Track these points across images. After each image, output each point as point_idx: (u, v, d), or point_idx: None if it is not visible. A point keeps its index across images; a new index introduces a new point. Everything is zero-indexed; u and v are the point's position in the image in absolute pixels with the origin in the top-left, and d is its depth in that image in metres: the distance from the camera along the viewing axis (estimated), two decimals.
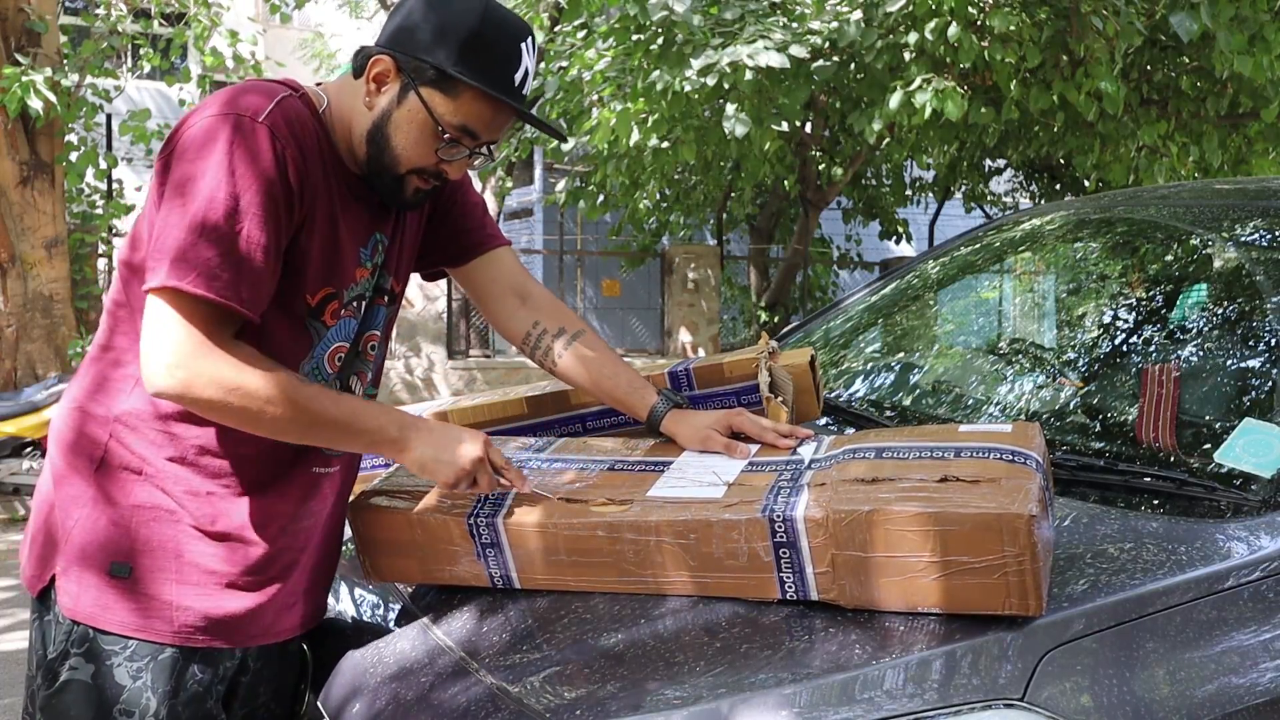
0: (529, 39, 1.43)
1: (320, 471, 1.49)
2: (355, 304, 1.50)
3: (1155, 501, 1.54)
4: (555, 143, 9.08)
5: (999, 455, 1.31)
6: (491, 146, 1.48)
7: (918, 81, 6.66)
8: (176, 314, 1.29)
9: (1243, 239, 2.17)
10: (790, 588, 1.30)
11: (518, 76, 1.42)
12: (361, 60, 1.43)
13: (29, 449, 5.99)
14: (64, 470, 1.43)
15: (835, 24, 6.92)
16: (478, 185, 10.25)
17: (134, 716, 1.38)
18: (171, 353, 1.29)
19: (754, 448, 1.54)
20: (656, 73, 7.01)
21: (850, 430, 2.00)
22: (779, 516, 1.29)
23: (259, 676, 1.50)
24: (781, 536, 1.29)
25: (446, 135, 1.41)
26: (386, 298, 1.57)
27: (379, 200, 1.50)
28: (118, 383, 1.42)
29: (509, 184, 10.54)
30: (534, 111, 10.02)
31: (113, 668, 1.38)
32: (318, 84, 1.52)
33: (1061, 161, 11.07)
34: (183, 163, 1.32)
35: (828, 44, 7.10)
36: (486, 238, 1.70)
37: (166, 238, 1.29)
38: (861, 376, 2.45)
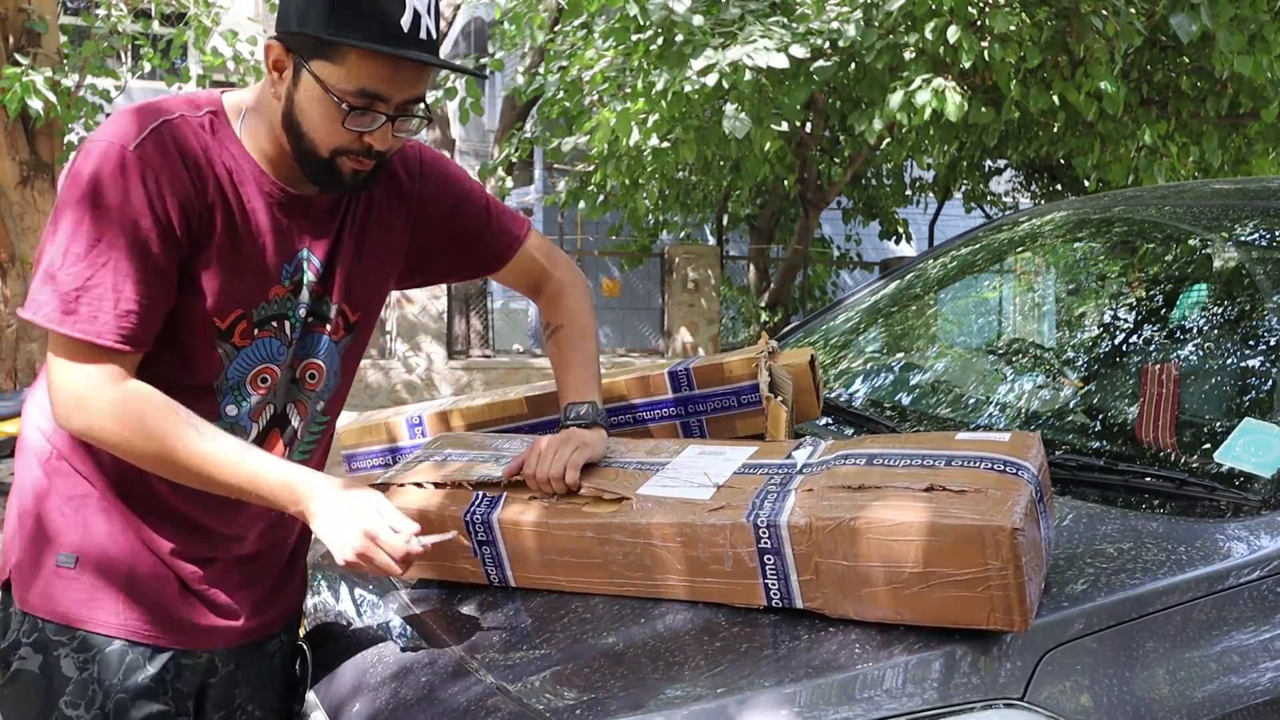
0: None
1: None
2: (275, 324, 1.44)
3: (1155, 501, 1.54)
4: (555, 142, 9.08)
5: (990, 465, 1.29)
6: (418, 105, 1.38)
7: (918, 81, 6.66)
8: (63, 354, 1.30)
9: (1243, 239, 2.17)
10: (775, 594, 1.29)
11: (405, 20, 1.30)
12: (264, 51, 1.38)
13: None
14: (21, 464, 1.45)
15: (835, 24, 6.92)
16: None
17: (80, 708, 1.38)
18: (64, 396, 1.31)
19: (751, 448, 1.54)
20: (656, 73, 7.01)
21: (850, 431, 2.00)
22: (764, 522, 1.28)
23: (232, 679, 1.49)
24: (766, 542, 1.28)
25: (347, 105, 1.31)
26: (329, 326, 1.50)
27: (318, 213, 1.45)
28: None
29: (509, 184, 10.54)
30: (534, 115, 10.06)
31: (59, 658, 1.38)
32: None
33: (1061, 161, 11.07)
34: (63, 190, 1.31)
35: (828, 44, 7.10)
36: (508, 244, 1.67)
37: (40, 268, 1.31)
38: (861, 376, 2.45)
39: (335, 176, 1.38)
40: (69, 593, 1.39)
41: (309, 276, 1.46)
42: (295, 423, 1.51)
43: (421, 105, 1.38)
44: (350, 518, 1.32)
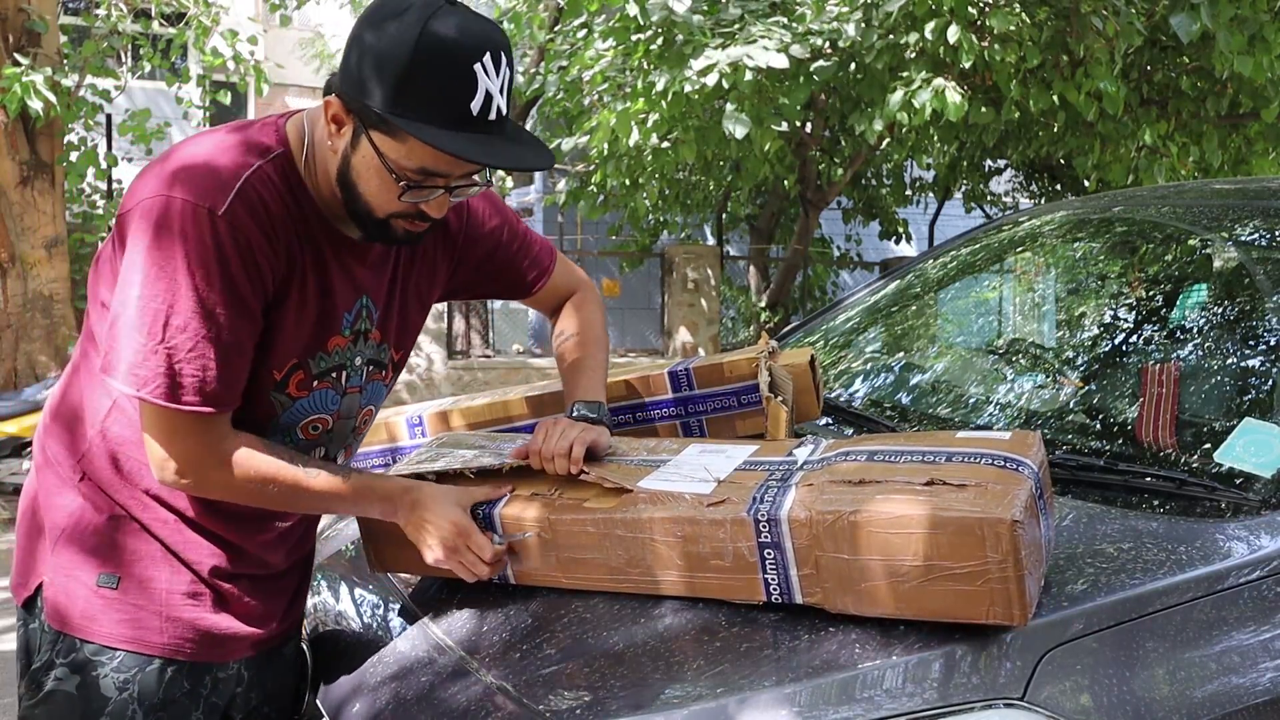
0: (488, 54, 1.23)
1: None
2: (334, 375, 1.43)
3: (1155, 501, 1.54)
4: (555, 142, 9.08)
5: (990, 460, 1.29)
6: (479, 175, 1.35)
7: (918, 81, 6.66)
8: (163, 422, 1.29)
9: (1243, 239, 2.17)
10: (775, 589, 1.29)
11: (475, 104, 1.23)
12: (324, 95, 1.32)
13: (29, 449, 5.98)
14: (49, 480, 1.43)
15: (835, 24, 6.92)
16: None
17: None
18: (174, 463, 1.31)
19: (753, 446, 1.54)
20: (656, 73, 7.01)
21: (850, 431, 2.00)
22: (764, 517, 1.29)
23: (253, 683, 1.50)
24: (766, 537, 1.28)
25: (405, 183, 1.28)
26: (384, 373, 1.52)
27: (374, 259, 1.43)
28: (98, 400, 1.40)
29: (509, 184, 10.54)
30: (534, 115, 10.04)
31: (98, 679, 1.37)
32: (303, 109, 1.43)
33: (1061, 161, 11.07)
34: (141, 248, 1.25)
35: (828, 44, 7.11)
36: (541, 272, 1.69)
37: (128, 340, 1.26)
38: (862, 376, 2.45)
39: (388, 234, 1.36)
40: (111, 613, 1.37)
41: (367, 325, 1.46)
42: (339, 461, 1.54)
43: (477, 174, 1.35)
44: (444, 518, 1.39)
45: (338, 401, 1.46)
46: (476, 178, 1.35)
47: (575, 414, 1.57)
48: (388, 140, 1.26)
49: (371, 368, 1.49)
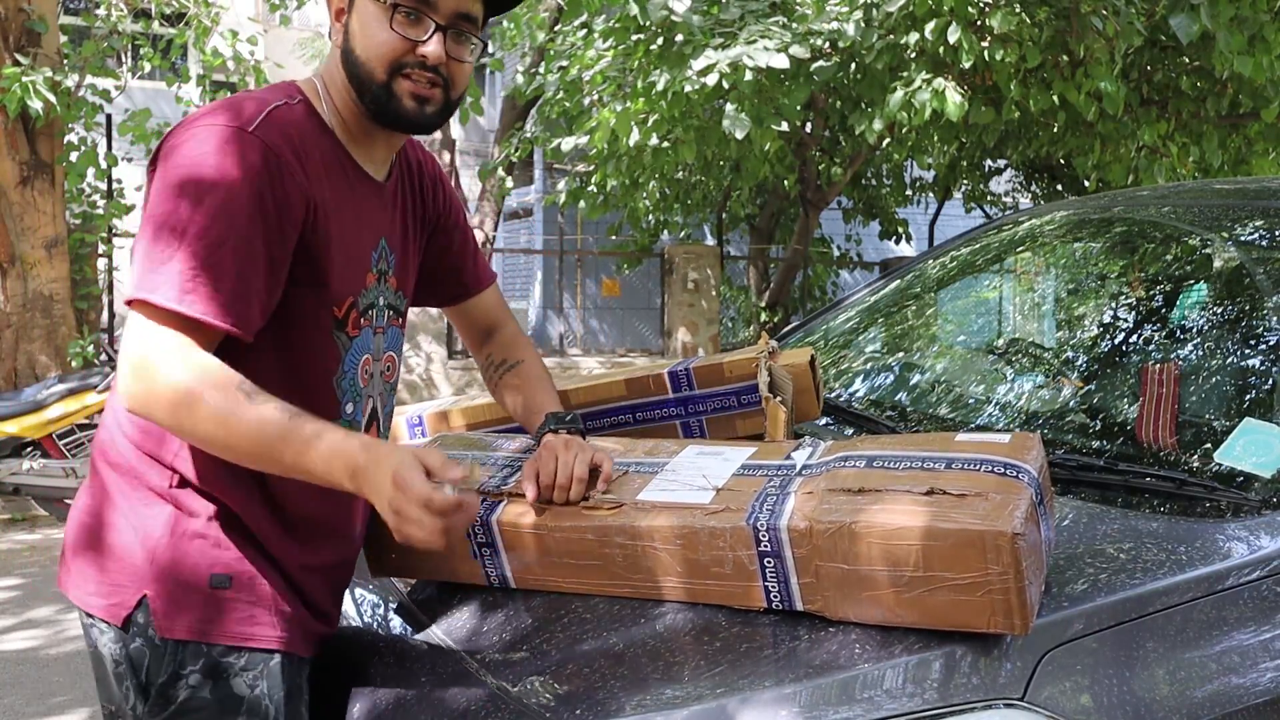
0: None
1: None
2: (370, 313, 1.46)
3: (1155, 501, 1.53)
4: (555, 142, 9.08)
5: (990, 468, 1.29)
6: (472, 26, 1.40)
7: (918, 81, 6.66)
8: (148, 325, 1.25)
9: (1243, 239, 2.17)
10: (775, 597, 1.29)
11: None
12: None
13: (29, 449, 5.98)
14: (129, 493, 1.38)
15: (835, 24, 6.92)
16: (477, 186, 10.27)
17: None
18: (139, 364, 1.24)
19: (751, 449, 1.54)
20: (656, 73, 7.01)
21: (850, 431, 2.00)
22: (763, 526, 1.28)
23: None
24: (766, 546, 1.28)
25: (399, 8, 1.34)
26: (400, 318, 1.54)
27: (387, 200, 1.47)
28: None
29: (509, 184, 10.53)
30: (533, 115, 10.04)
31: (229, 680, 1.35)
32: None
33: (1061, 161, 11.07)
34: (170, 172, 1.27)
35: (828, 44, 7.10)
36: (475, 282, 1.71)
37: (147, 249, 1.25)
38: (862, 376, 2.45)
39: (397, 105, 1.38)
40: (232, 613, 1.35)
41: (385, 267, 1.49)
42: (381, 418, 1.54)
43: (476, 30, 1.41)
44: (382, 467, 1.20)
45: (373, 342, 1.47)
46: (473, 32, 1.40)
47: (552, 423, 1.54)
48: None
49: (390, 312, 1.51)
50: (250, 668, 1.35)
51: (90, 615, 1.39)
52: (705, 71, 6.63)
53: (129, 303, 1.27)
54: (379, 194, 1.46)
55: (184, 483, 1.36)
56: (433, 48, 1.37)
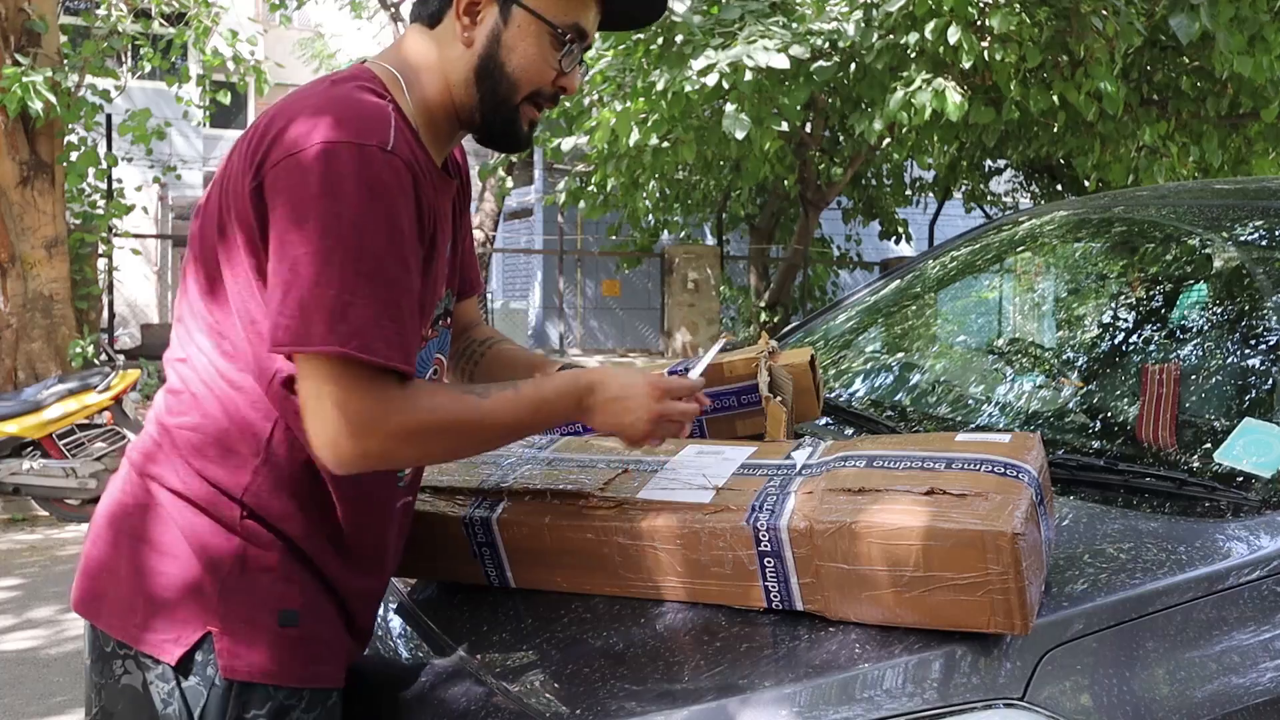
0: None
1: (404, 500, 1.41)
2: (442, 319, 1.40)
3: (1155, 501, 1.53)
4: (555, 142, 9.08)
5: (990, 468, 1.29)
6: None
7: (918, 81, 6.66)
8: (352, 381, 1.15)
9: (1243, 239, 2.17)
10: (775, 597, 1.29)
11: None
12: (438, 2, 1.30)
13: (29, 449, 5.99)
14: (194, 520, 1.26)
15: (835, 24, 6.92)
16: (477, 185, 10.26)
17: None
18: (350, 425, 1.15)
19: (751, 448, 1.54)
20: (656, 73, 7.01)
21: (849, 431, 2.00)
22: (763, 526, 1.28)
23: None
24: (766, 546, 1.28)
25: (568, 37, 1.30)
26: (449, 318, 1.45)
27: (449, 197, 1.38)
28: (255, 424, 1.25)
29: (509, 184, 10.54)
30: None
31: None
32: (364, 59, 1.37)
33: (1061, 161, 11.08)
34: (306, 200, 1.14)
35: (828, 44, 7.11)
36: (472, 286, 1.62)
37: (316, 296, 1.12)
38: (861, 376, 2.45)
39: (513, 127, 1.34)
40: (300, 652, 1.26)
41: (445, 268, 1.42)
42: None
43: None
44: (627, 404, 1.32)
45: (432, 353, 1.40)
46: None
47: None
48: None
49: (446, 316, 1.43)
50: (311, 708, 1.28)
51: (127, 647, 1.27)
52: (705, 71, 6.64)
53: (307, 353, 1.15)
54: (448, 191, 1.37)
55: (253, 515, 1.26)
56: (572, 81, 1.34)
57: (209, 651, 1.24)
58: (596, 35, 1.40)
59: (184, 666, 1.24)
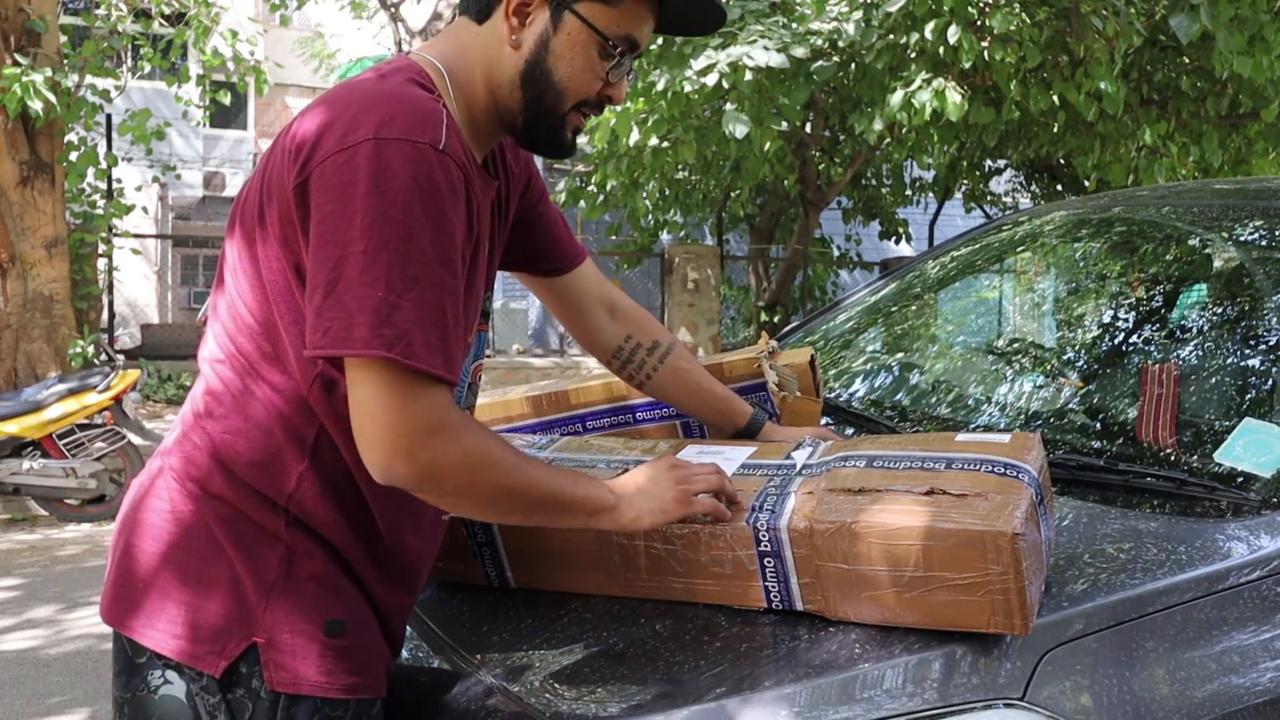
0: None
1: (440, 517, 1.38)
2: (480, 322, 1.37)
3: (1155, 501, 1.54)
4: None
5: (991, 468, 1.29)
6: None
7: (918, 81, 6.66)
8: (400, 389, 1.10)
9: (1243, 239, 2.17)
10: (775, 597, 1.29)
11: None
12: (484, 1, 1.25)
13: (29, 449, 5.99)
14: (237, 526, 1.22)
15: (835, 24, 6.92)
16: None
17: None
18: (407, 439, 1.11)
19: (751, 448, 1.54)
20: (656, 73, 7.01)
21: (850, 431, 2.00)
22: (763, 525, 1.28)
23: None
24: (766, 546, 1.28)
25: (619, 49, 1.25)
26: (486, 320, 1.42)
27: (491, 197, 1.33)
28: (299, 428, 1.22)
29: None
30: None
31: None
32: (408, 50, 1.34)
33: (1061, 161, 11.08)
34: (353, 198, 1.09)
35: (828, 44, 7.11)
36: (576, 251, 1.57)
37: (359, 298, 1.08)
38: (862, 376, 2.45)
39: (558, 135, 1.30)
40: (346, 662, 1.23)
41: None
42: None
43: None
44: (659, 483, 1.29)
45: (473, 352, 1.37)
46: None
47: (759, 416, 1.63)
48: (597, 8, 1.23)
49: (480, 317, 1.39)
50: (356, 719, 1.24)
51: (162, 657, 1.23)
52: (705, 71, 6.64)
53: (354, 356, 1.11)
54: (489, 192, 1.32)
55: (298, 522, 1.22)
56: (620, 90, 1.29)
57: (254, 663, 1.20)
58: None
59: (228, 678, 1.20)
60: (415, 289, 1.09)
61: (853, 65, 7.49)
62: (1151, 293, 2.34)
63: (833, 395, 2.24)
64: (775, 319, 11.67)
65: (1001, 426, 2.02)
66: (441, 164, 1.12)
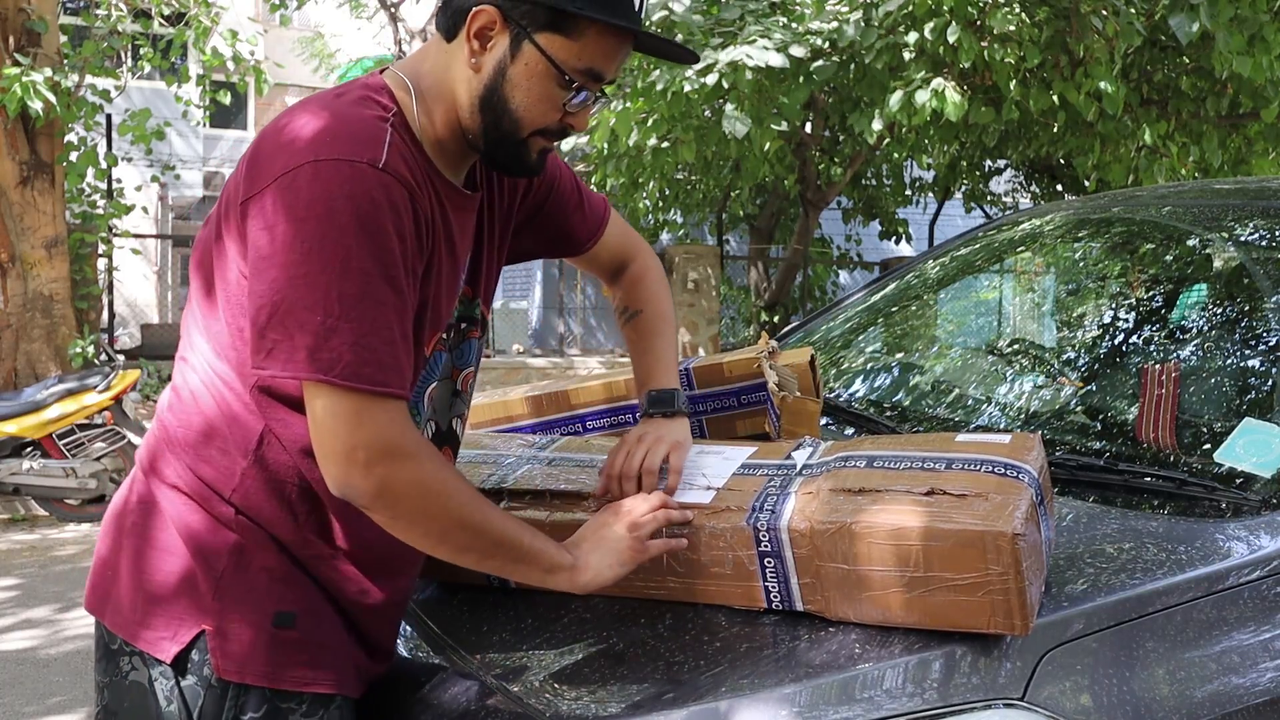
0: None
1: None
2: (446, 335, 1.36)
3: (1155, 501, 1.54)
4: (555, 143, 9.08)
5: (991, 468, 1.29)
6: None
7: (917, 81, 6.66)
8: (349, 409, 1.13)
9: (1243, 239, 2.17)
10: (776, 597, 1.29)
11: None
12: (454, 17, 1.23)
13: (29, 449, 5.99)
14: (190, 517, 1.26)
15: (835, 24, 6.92)
16: None
17: None
18: (363, 455, 1.14)
19: (751, 448, 1.53)
20: (656, 73, 7.01)
21: (849, 431, 2.00)
22: (764, 526, 1.28)
23: None
24: (766, 546, 1.28)
25: (575, 84, 1.23)
26: (477, 329, 1.43)
27: (469, 208, 1.35)
28: (246, 426, 1.25)
29: None
30: None
31: None
32: (389, 62, 1.34)
33: (1061, 161, 11.07)
34: (292, 221, 1.12)
35: (827, 44, 7.11)
36: (590, 231, 1.58)
37: (298, 321, 1.11)
38: (861, 377, 2.45)
39: (521, 159, 1.30)
40: (295, 654, 1.25)
41: (467, 279, 1.38)
42: (459, 435, 1.46)
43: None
44: (605, 534, 1.30)
45: (445, 362, 1.38)
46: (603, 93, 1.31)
47: (652, 404, 1.53)
48: (558, 40, 1.21)
49: (465, 324, 1.41)
50: (311, 714, 1.26)
51: (130, 646, 1.27)
52: (705, 71, 6.64)
53: (303, 380, 1.14)
54: (465, 203, 1.33)
55: (243, 515, 1.25)
56: (582, 119, 1.29)
57: (204, 650, 1.23)
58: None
59: (180, 665, 1.24)
60: (357, 308, 1.12)
61: (852, 65, 7.48)
62: (1151, 293, 2.34)
63: (833, 395, 2.24)
64: (775, 319, 11.66)
65: (1001, 427, 2.02)
66: (380, 182, 1.14)
